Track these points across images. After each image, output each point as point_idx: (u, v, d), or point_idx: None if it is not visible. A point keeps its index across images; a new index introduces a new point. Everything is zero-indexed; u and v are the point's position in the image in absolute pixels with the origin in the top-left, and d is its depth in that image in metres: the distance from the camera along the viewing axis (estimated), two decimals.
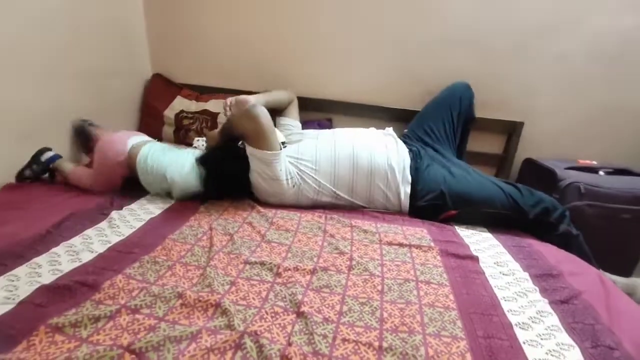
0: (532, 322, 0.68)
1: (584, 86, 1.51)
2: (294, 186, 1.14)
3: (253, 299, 0.71)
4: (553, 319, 0.69)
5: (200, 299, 0.67)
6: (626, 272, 0.88)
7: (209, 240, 0.91)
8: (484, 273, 0.86)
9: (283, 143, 1.27)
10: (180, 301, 0.67)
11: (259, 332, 0.60)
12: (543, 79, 1.53)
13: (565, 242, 1.05)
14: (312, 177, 1.15)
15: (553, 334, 0.65)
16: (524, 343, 0.62)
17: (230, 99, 1.17)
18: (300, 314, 0.66)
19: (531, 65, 1.51)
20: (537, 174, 1.48)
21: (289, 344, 0.58)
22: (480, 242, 1.03)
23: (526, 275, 0.85)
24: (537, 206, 1.07)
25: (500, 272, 0.87)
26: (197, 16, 1.66)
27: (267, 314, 0.66)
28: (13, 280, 0.69)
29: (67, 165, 1.21)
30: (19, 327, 0.57)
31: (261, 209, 1.11)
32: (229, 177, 1.13)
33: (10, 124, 1.12)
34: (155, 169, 1.10)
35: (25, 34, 1.13)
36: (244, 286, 0.74)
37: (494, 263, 0.91)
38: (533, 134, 1.58)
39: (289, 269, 0.81)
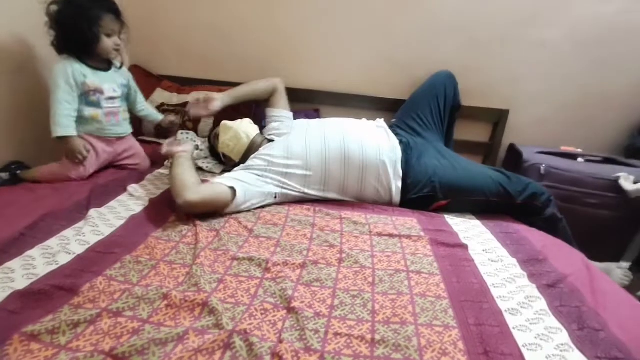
0: (521, 307, 0.69)
1: (568, 72, 1.53)
2: (275, 197, 1.09)
3: (242, 296, 0.69)
4: (541, 304, 0.70)
5: (187, 298, 0.65)
6: (592, 258, 0.91)
7: (194, 237, 0.88)
8: (473, 260, 0.86)
9: (268, 140, 1.24)
10: (165, 302, 0.64)
11: (248, 331, 0.58)
12: (527, 66, 1.54)
13: (550, 226, 1.08)
14: (301, 181, 1.11)
15: (542, 318, 0.66)
16: (513, 328, 0.63)
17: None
18: (290, 310, 0.65)
19: (515, 53, 1.52)
20: (514, 158, 1.51)
21: (280, 341, 0.57)
22: (469, 229, 1.04)
23: (514, 261, 0.86)
24: (524, 191, 1.08)
25: (489, 259, 0.87)
26: (177, 4, 1.58)
27: (256, 311, 0.64)
28: None
29: (32, 170, 1.15)
30: None
31: None
32: None
33: None
34: None
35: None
36: (232, 283, 0.72)
37: (483, 250, 0.92)
38: (518, 121, 1.60)
39: (278, 264, 0.79)
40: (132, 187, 1.11)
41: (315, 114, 1.64)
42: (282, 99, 1.35)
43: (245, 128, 1.24)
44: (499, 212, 1.14)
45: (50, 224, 0.86)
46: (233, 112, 1.40)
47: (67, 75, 1.05)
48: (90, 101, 1.12)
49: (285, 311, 0.65)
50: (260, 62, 1.63)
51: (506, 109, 1.59)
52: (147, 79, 1.65)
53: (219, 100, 1.23)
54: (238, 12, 1.58)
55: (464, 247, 0.92)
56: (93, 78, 1.10)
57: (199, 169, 1.34)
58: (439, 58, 1.53)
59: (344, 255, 0.85)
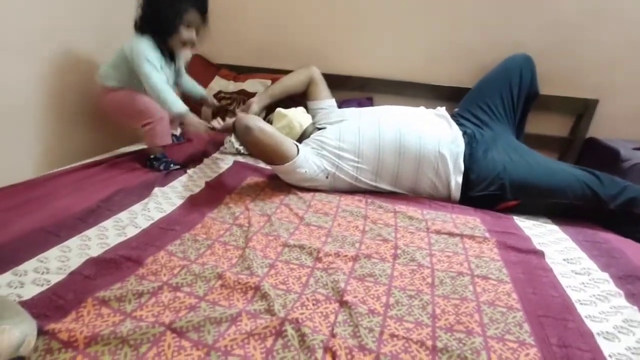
0: (619, 332, 0.57)
1: None
2: (327, 177, 1.07)
3: (293, 283, 0.67)
4: None
5: (240, 280, 0.65)
6: None
7: (246, 220, 0.89)
8: (551, 270, 0.75)
9: (318, 128, 1.20)
10: (220, 282, 0.65)
11: (300, 320, 0.56)
12: (625, 49, 1.29)
13: None
14: (353, 167, 1.07)
15: None
16: (610, 357, 0.53)
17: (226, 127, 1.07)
18: (343, 303, 0.61)
19: (608, 32, 1.27)
20: (599, 155, 1.29)
21: (333, 335, 0.54)
22: (544, 234, 0.91)
23: (605, 275, 0.73)
24: (620, 196, 0.91)
25: (572, 271, 0.75)
26: None
27: (308, 300, 0.62)
28: (65, 252, 0.71)
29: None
30: (69, 298, 0.58)
31: (298, 192, 1.06)
32: None
33: None
34: None
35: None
36: (283, 270, 0.71)
37: (564, 260, 0.79)
38: (605, 113, 1.36)
39: (330, 254, 0.76)
40: (191, 170, 1.16)
41: (368, 103, 1.57)
42: (321, 88, 1.29)
43: (299, 117, 1.22)
44: (584, 217, 0.98)
45: (122, 198, 0.93)
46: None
47: (150, 51, 1.08)
48: None
49: (337, 304, 0.62)
50: (312, 49, 1.59)
51: (594, 99, 1.36)
52: (206, 68, 1.72)
53: (256, 103, 1.22)
54: (289, 2, 1.55)
55: (539, 253, 0.80)
56: (161, 63, 1.15)
57: (251, 154, 1.36)
58: (513, 40, 1.35)
59: (399, 251, 0.79)
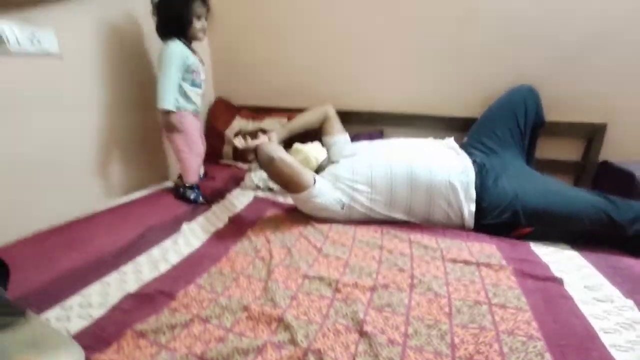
0: None
1: None
2: (342, 208, 1.12)
3: (314, 314, 0.70)
4: None
5: (264, 312, 0.69)
6: None
7: (268, 252, 0.94)
8: (572, 298, 0.75)
9: (332, 162, 1.27)
10: (245, 313, 0.69)
11: (322, 350, 0.59)
12: (624, 73, 1.32)
13: None
14: (367, 198, 1.11)
15: None
16: None
17: (246, 147, 1.17)
18: (363, 333, 0.64)
19: (607, 58, 1.32)
20: (614, 179, 1.28)
21: None
22: (562, 261, 0.91)
23: (630, 303, 0.72)
24: (638, 221, 0.91)
25: (594, 298, 0.75)
26: (252, 43, 1.79)
27: (329, 330, 0.65)
28: (105, 287, 0.78)
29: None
30: (110, 331, 0.64)
31: (315, 223, 1.11)
32: None
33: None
34: None
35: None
36: (305, 301, 0.74)
37: (585, 287, 0.79)
38: (615, 137, 1.37)
39: (348, 285, 0.79)
40: (216, 206, 1.24)
41: (379, 135, 1.65)
42: (335, 124, 1.39)
43: (315, 151, 1.30)
44: (604, 242, 0.98)
45: (154, 235, 1.01)
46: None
47: (178, 55, 1.21)
48: (193, 82, 1.29)
49: (357, 334, 0.64)
50: (325, 88, 1.72)
51: (603, 123, 1.38)
52: (228, 109, 1.87)
53: (275, 135, 1.32)
54: (305, 45, 1.70)
55: (558, 281, 0.80)
56: (193, 59, 1.28)
57: (270, 189, 1.44)
58: (517, 71, 1.42)
59: (415, 280, 0.81)
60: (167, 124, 1.25)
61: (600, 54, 1.33)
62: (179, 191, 1.31)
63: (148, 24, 1.34)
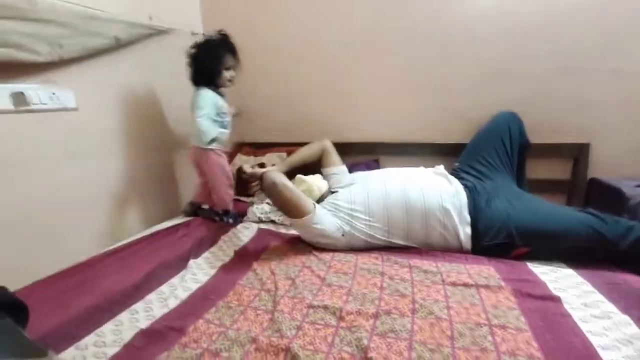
0: None
1: None
2: (342, 235, 1.16)
3: (320, 343, 0.72)
4: None
5: (272, 343, 0.71)
6: None
7: (273, 284, 0.97)
8: (570, 316, 0.77)
9: (332, 192, 1.33)
10: (254, 345, 0.71)
11: None
12: (603, 95, 1.42)
13: None
14: (366, 225, 1.15)
15: None
16: None
17: (253, 173, 1.27)
18: None
19: (575, 82, 1.44)
20: (603, 196, 1.34)
21: None
22: (560, 279, 0.94)
23: (626, 318, 0.74)
24: (628, 235, 0.94)
25: (592, 315, 0.77)
26: (253, 84, 1.92)
27: (335, 359, 0.67)
28: (118, 325, 0.80)
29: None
30: None
31: (318, 253, 1.15)
32: None
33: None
34: None
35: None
36: (310, 331, 0.77)
37: (582, 304, 0.81)
38: (599, 155, 1.45)
39: (352, 313, 0.82)
40: (222, 240, 1.28)
41: (375, 164, 1.73)
42: (333, 156, 1.48)
43: (318, 182, 1.37)
44: (599, 259, 1.00)
45: (162, 272, 1.04)
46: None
47: (210, 99, 1.38)
48: (222, 123, 1.43)
49: None
50: (321, 123, 1.83)
51: (585, 142, 1.46)
52: (230, 147, 1.96)
53: (277, 166, 1.42)
54: (301, 84, 1.83)
55: (556, 299, 0.83)
56: (222, 103, 1.43)
57: (272, 221, 1.49)
58: (499, 99, 1.52)
59: (416, 305, 0.84)
60: (209, 158, 1.41)
61: (568, 79, 1.45)
62: (215, 218, 1.47)
63: (156, 74, 1.48)
